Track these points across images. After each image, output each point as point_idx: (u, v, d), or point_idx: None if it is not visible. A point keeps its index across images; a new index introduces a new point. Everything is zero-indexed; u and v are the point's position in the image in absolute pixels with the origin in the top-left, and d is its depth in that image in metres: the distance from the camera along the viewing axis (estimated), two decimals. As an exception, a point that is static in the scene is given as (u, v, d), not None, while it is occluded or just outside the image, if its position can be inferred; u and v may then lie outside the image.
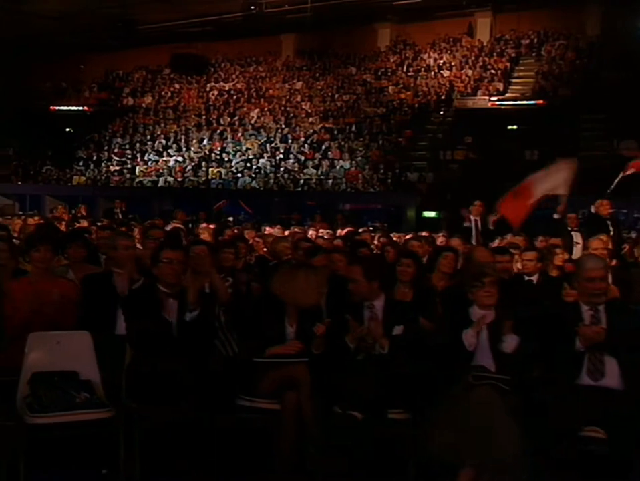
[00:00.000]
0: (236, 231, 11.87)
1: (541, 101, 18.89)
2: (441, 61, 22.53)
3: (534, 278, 5.87)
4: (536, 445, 3.53)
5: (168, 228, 11.24)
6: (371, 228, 15.09)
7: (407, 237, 9.02)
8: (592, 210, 9.41)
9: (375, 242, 9.05)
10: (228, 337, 4.74)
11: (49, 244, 4.69)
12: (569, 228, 9.46)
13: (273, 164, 20.10)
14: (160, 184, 20.40)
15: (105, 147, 21.98)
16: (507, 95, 20.25)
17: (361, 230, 12.55)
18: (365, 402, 3.90)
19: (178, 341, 4.21)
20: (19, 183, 20.53)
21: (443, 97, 20.77)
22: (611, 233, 8.30)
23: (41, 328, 4.37)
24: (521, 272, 6.03)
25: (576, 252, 8.16)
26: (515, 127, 19.26)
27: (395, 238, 10.22)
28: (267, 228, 12.55)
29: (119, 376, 4.32)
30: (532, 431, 3.54)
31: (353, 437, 3.88)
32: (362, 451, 3.91)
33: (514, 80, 20.92)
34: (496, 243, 8.24)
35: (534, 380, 3.98)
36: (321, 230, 12.24)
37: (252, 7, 19.96)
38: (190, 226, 13.95)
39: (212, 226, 11.22)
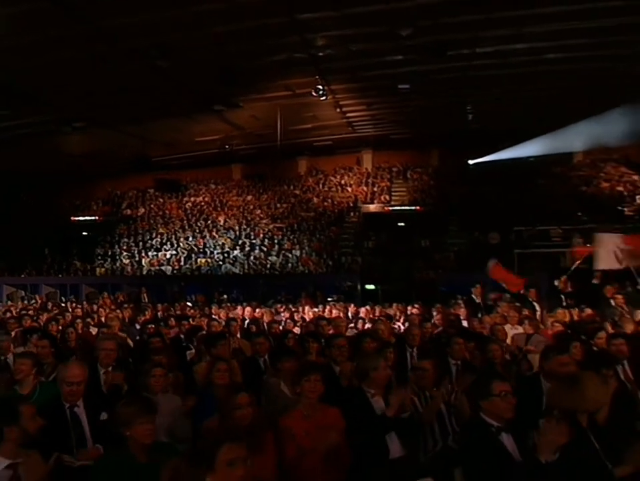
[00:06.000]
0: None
1: (419, 208, 26.35)
2: (342, 181, 30.79)
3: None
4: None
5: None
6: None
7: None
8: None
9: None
10: None
11: (320, 373, 4.02)
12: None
13: (245, 254, 26.41)
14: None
15: (116, 246, 25.92)
16: (393, 203, 28.10)
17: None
18: None
19: None
20: (59, 275, 23.79)
21: (351, 204, 28.25)
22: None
23: (326, 474, 3.62)
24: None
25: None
26: (403, 224, 26.72)
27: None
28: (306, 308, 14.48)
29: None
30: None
31: None
32: None
33: (394, 194, 28.69)
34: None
35: None
36: (307, 308, 14.42)
37: (227, 146, 26.72)
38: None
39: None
